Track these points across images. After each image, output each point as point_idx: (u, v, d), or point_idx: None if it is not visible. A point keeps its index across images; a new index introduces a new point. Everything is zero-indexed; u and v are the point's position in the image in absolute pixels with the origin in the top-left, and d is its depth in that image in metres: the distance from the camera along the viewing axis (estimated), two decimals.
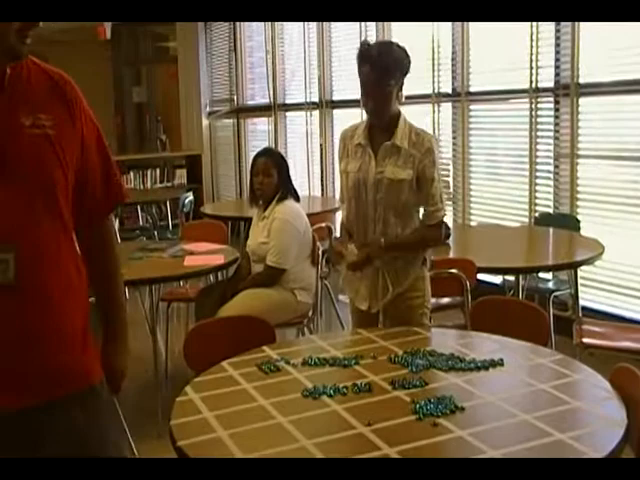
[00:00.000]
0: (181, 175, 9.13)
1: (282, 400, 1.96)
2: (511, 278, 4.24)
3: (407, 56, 2.80)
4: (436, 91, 5.78)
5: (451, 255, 3.84)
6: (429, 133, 2.89)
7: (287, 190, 3.91)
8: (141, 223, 8.00)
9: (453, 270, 3.37)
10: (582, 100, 4.64)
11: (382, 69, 2.70)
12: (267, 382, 2.10)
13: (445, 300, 4.04)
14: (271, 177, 3.85)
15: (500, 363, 2.14)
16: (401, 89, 2.85)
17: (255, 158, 3.97)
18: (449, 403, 1.86)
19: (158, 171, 9.05)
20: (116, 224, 6.41)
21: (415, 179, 2.74)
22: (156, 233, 7.08)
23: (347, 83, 6.87)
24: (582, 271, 4.24)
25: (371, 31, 6.30)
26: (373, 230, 2.77)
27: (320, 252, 4.08)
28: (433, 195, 2.78)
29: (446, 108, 5.77)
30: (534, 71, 4.90)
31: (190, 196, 7.07)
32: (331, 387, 2.00)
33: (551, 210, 4.90)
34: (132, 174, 8.88)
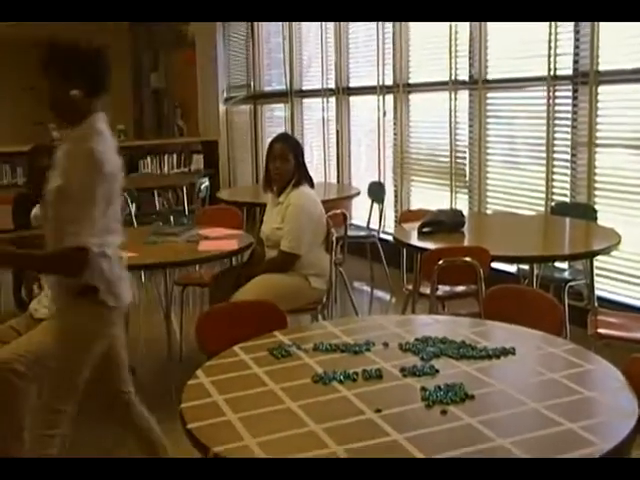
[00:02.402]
0: (198, 161, 9.15)
1: (292, 385, 1.96)
2: (526, 267, 4.22)
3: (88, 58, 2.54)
4: (453, 79, 5.74)
5: (465, 243, 3.83)
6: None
7: (302, 176, 3.91)
8: (158, 208, 8.03)
9: (467, 258, 3.36)
10: (601, 88, 4.59)
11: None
12: (278, 367, 2.10)
13: (459, 288, 4.04)
14: (288, 162, 3.85)
15: (512, 352, 2.14)
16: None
17: (272, 144, 3.97)
18: (459, 391, 1.85)
19: (175, 156, 9.08)
20: (133, 209, 6.45)
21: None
22: (172, 218, 7.11)
23: (364, 70, 6.86)
24: (598, 261, 4.21)
25: None
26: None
27: (334, 239, 4.08)
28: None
29: (463, 96, 5.74)
30: (552, 58, 4.85)
31: (206, 181, 7.09)
32: (341, 373, 2.00)
33: (568, 199, 4.86)
34: (149, 159, 8.91)
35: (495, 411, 1.77)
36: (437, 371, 2.01)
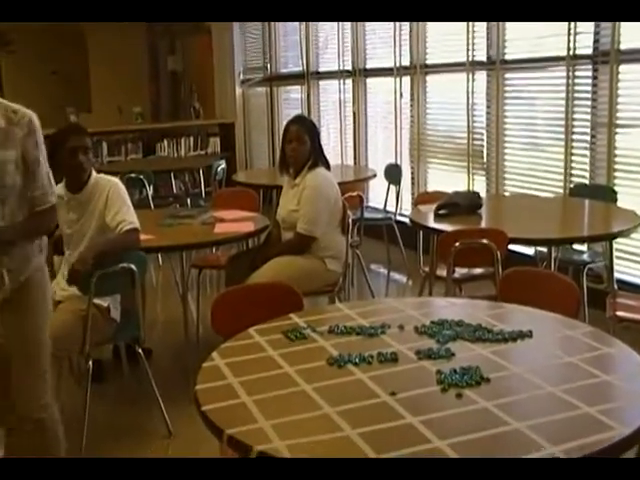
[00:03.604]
0: (214, 143, 9.15)
1: (307, 368, 1.96)
2: (544, 249, 4.18)
3: None
4: (470, 59, 5.68)
5: (482, 225, 3.80)
6: (29, 111, 2.45)
7: (318, 158, 3.90)
8: (174, 191, 8.05)
9: (484, 240, 3.33)
10: (622, 67, 4.51)
11: None
12: (293, 349, 2.10)
13: (476, 270, 4.01)
14: (304, 144, 3.84)
15: (529, 335, 2.11)
16: None
17: (287, 125, 3.95)
18: (475, 374, 1.84)
19: (192, 139, 9.08)
20: (150, 191, 6.47)
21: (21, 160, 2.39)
22: (189, 201, 7.12)
23: (380, 51, 6.80)
24: (617, 243, 4.16)
25: None
26: None
27: (350, 221, 4.07)
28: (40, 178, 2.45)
29: (481, 76, 5.67)
30: (572, 37, 4.77)
31: (223, 164, 7.09)
32: (356, 356, 1.99)
33: (587, 181, 4.80)
34: (166, 142, 8.93)
35: (511, 395, 1.75)
36: (453, 354, 1.99)
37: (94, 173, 3.42)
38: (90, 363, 3.26)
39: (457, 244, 3.34)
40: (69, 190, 3.39)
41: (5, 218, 2.38)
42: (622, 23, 4.44)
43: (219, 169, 6.94)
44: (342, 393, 1.80)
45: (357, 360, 1.97)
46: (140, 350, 3.42)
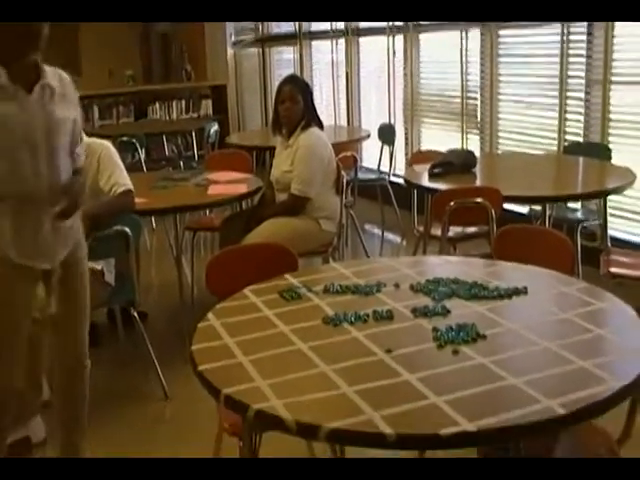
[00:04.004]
0: (206, 105, 9.07)
1: (303, 327, 1.95)
2: (538, 208, 4.18)
3: None
4: None
5: (477, 184, 3.79)
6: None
7: (311, 118, 3.86)
8: (167, 154, 7.99)
9: (479, 199, 3.32)
10: (617, 23, 4.46)
11: None
12: (288, 309, 2.10)
13: (471, 229, 4.01)
14: (297, 104, 3.81)
15: (524, 291, 2.12)
16: None
17: (280, 86, 3.91)
18: (471, 331, 1.84)
19: (183, 102, 9.00)
20: (142, 155, 6.42)
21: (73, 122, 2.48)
22: (182, 163, 7.08)
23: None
24: (611, 201, 4.16)
25: None
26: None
27: (345, 181, 4.05)
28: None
29: (474, 34, 5.60)
30: None
31: (215, 126, 7.04)
32: (352, 314, 1.99)
33: (581, 139, 4.78)
34: (158, 105, 8.85)
35: (507, 351, 1.76)
36: (449, 311, 2.00)
37: (85, 137, 3.37)
38: None
39: (452, 203, 3.33)
40: None
41: (56, 173, 2.39)
42: None
43: (212, 131, 6.89)
44: (338, 351, 1.80)
45: (353, 319, 1.97)
46: (135, 313, 3.43)
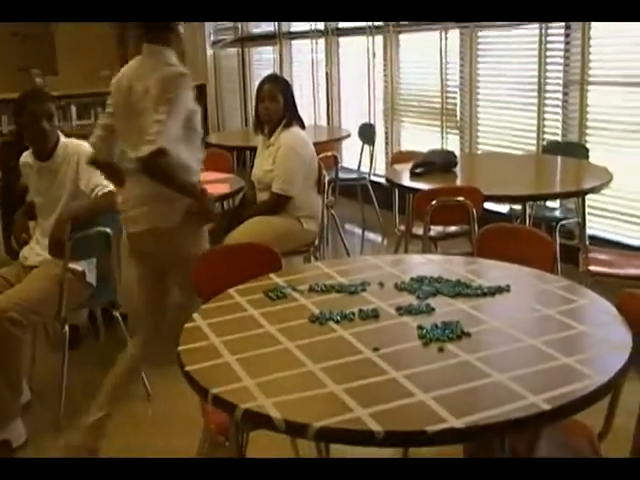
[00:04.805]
0: None
1: (289, 326, 1.96)
2: (518, 207, 4.22)
3: None
4: None
5: (458, 183, 3.82)
6: None
7: (292, 117, 3.88)
8: None
9: (460, 198, 3.35)
10: (594, 24, 4.52)
11: None
12: (274, 308, 2.10)
13: (451, 229, 4.05)
14: (277, 102, 3.83)
15: (507, 289, 2.14)
16: None
17: (261, 84, 3.92)
18: (455, 328, 1.86)
19: None
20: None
21: None
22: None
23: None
24: (589, 200, 4.21)
25: None
26: None
27: (326, 181, 4.06)
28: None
29: (454, 35, 5.64)
30: None
31: None
32: (337, 313, 2.01)
33: (559, 138, 4.84)
34: None
35: (492, 348, 1.78)
36: (433, 309, 2.01)
37: (63, 138, 3.35)
38: (67, 328, 3.25)
39: (434, 202, 3.35)
40: (37, 158, 3.32)
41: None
42: None
43: None
44: (325, 350, 1.81)
45: (338, 317, 1.98)
46: (118, 314, 3.42)
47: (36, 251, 3.34)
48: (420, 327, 1.89)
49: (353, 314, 2.00)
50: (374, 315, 2.00)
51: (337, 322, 1.97)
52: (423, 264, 2.56)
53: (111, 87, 2.88)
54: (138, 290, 3.04)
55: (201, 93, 9.01)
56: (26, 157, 3.41)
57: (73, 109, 8.47)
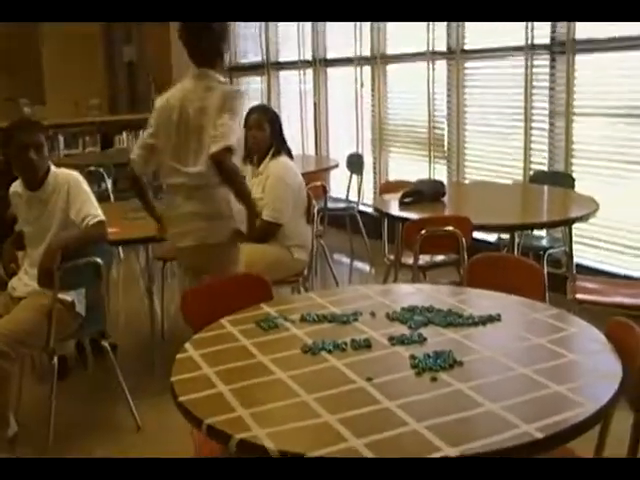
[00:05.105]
0: None
1: (282, 356, 1.97)
2: (505, 236, 4.26)
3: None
4: (430, 49, 5.73)
5: (446, 213, 3.85)
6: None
7: (280, 146, 3.91)
8: None
9: (449, 227, 3.37)
10: (578, 57, 4.61)
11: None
12: (266, 338, 2.11)
13: (439, 258, 4.07)
14: (264, 131, 3.87)
15: (498, 318, 2.16)
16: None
17: (248, 114, 3.96)
18: (448, 358, 1.87)
19: None
20: (109, 184, 6.39)
21: None
22: (150, 193, 7.04)
23: (341, 41, 6.80)
24: (577, 228, 4.26)
25: None
26: None
27: (315, 210, 4.08)
28: None
29: (441, 66, 5.73)
30: (530, 28, 4.85)
31: None
32: (330, 343, 2.01)
33: (546, 168, 4.90)
34: (124, 135, 8.80)
35: (484, 377, 1.79)
36: (425, 339, 2.03)
37: (53, 168, 3.35)
38: (55, 359, 3.22)
39: (423, 232, 3.37)
40: (27, 188, 3.32)
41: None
42: None
43: None
44: (318, 380, 1.81)
45: (331, 347, 1.99)
46: (107, 344, 3.40)
47: (24, 281, 3.32)
48: (413, 357, 1.90)
49: (345, 344, 2.01)
50: (366, 345, 2.01)
51: (330, 352, 1.97)
52: (414, 294, 2.58)
53: (156, 109, 3.18)
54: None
55: None
56: (16, 187, 3.41)
57: (61, 139, 8.47)
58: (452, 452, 1.44)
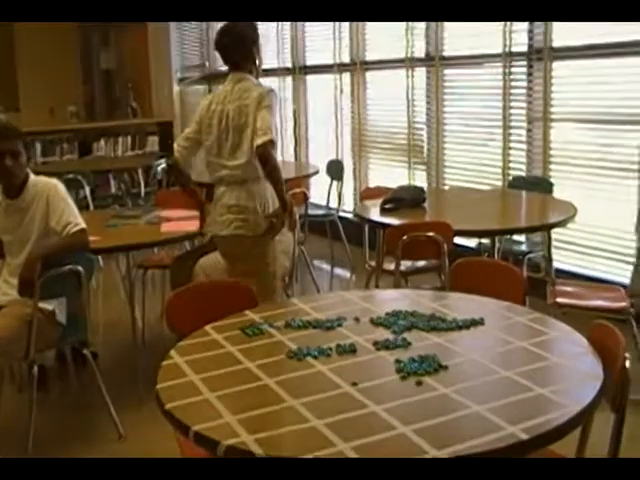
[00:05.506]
0: (153, 142, 9.03)
1: (267, 362, 1.97)
2: (485, 241, 4.29)
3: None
4: (409, 56, 5.77)
5: (427, 219, 3.87)
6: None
7: None
8: (113, 191, 7.92)
9: (431, 233, 3.40)
10: (555, 64, 4.67)
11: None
12: (251, 345, 2.11)
13: (420, 263, 4.09)
14: None
15: (481, 322, 2.18)
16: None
17: None
18: (432, 362, 1.89)
19: (129, 138, 8.94)
20: (88, 192, 6.35)
21: None
22: (129, 201, 7.03)
23: (320, 48, 6.83)
24: (555, 233, 4.31)
25: None
26: None
27: (297, 217, 4.08)
28: None
29: (420, 73, 5.77)
30: (507, 35, 4.91)
31: (163, 163, 7.01)
32: (315, 348, 2.02)
33: (524, 173, 4.95)
34: (103, 142, 8.76)
35: (469, 380, 1.81)
36: (409, 343, 2.04)
37: (32, 176, 3.33)
38: (35, 369, 3.19)
39: (405, 237, 3.40)
40: (5, 195, 3.29)
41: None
42: (554, 22, 4.60)
43: (159, 168, 6.87)
44: (304, 385, 1.82)
45: (316, 353, 2.00)
46: (88, 353, 3.38)
47: (4, 290, 3.30)
48: (398, 361, 1.91)
49: (330, 349, 2.02)
50: (351, 350, 2.02)
51: (315, 358, 1.98)
52: (397, 299, 2.59)
53: (200, 110, 3.47)
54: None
55: (168, 130, 9.06)
56: None
57: (37, 146, 8.41)
58: (439, 454, 1.45)
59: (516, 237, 4.65)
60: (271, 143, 3.17)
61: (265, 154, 3.18)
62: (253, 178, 3.34)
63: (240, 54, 3.39)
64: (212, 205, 3.49)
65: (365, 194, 4.75)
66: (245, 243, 3.36)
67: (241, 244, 3.36)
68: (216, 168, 3.43)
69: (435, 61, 5.53)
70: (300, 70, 7.11)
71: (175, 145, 3.59)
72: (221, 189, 3.43)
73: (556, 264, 4.51)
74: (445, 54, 5.50)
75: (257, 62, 3.46)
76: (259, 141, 3.16)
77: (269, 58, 7.58)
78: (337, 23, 6.45)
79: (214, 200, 3.49)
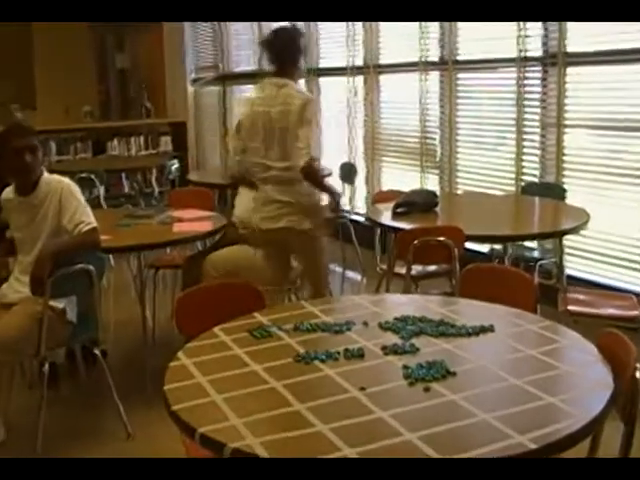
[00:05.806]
0: (166, 142, 9.07)
1: (275, 365, 1.97)
2: (497, 246, 4.27)
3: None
4: (423, 59, 5.76)
5: (439, 223, 3.86)
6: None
7: None
8: (126, 190, 7.95)
9: (442, 238, 3.38)
10: (569, 70, 4.64)
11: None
12: (259, 347, 2.11)
13: (431, 268, 4.08)
14: None
15: (490, 329, 2.17)
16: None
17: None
18: (440, 368, 1.88)
19: (142, 138, 8.98)
20: (101, 191, 6.38)
21: None
22: (141, 200, 7.05)
23: (334, 51, 6.83)
24: (567, 240, 4.28)
25: None
26: None
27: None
28: None
29: (433, 77, 5.75)
30: (522, 40, 4.89)
31: (176, 163, 7.05)
32: (323, 352, 2.02)
33: (537, 179, 4.92)
34: (116, 141, 8.81)
35: (477, 387, 1.80)
36: (418, 349, 2.03)
37: (45, 173, 3.34)
38: (46, 367, 3.21)
39: (416, 242, 3.38)
40: (19, 193, 3.31)
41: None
42: (569, 27, 4.57)
43: (172, 168, 6.89)
44: (311, 389, 1.82)
45: (324, 357, 1.99)
46: (98, 352, 3.39)
47: (15, 288, 3.31)
48: (405, 367, 1.90)
49: (338, 353, 2.01)
50: (359, 355, 2.01)
51: (323, 361, 1.97)
52: (406, 304, 2.58)
53: (242, 115, 3.63)
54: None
55: (181, 130, 9.10)
56: (7, 193, 3.40)
57: (52, 144, 8.46)
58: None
59: (528, 243, 4.62)
60: (313, 161, 3.36)
61: (309, 176, 3.38)
62: (300, 179, 3.44)
63: (289, 58, 3.51)
64: (254, 202, 3.60)
65: (377, 197, 4.74)
66: (298, 235, 3.49)
67: (294, 236, 3.49)
68: (262, 168, 3.52)
69: (449, 65, 5.52)
70: (314, 73, 7.10)
71: (235, 156, 3.72)
72: (268, 187, 3.52)
73: (568, 271, 4.48)
74: (459, 58, 5.49)
75: (300, 69, 3.62)
76: (301, 162, 3.32)
77: None
78: (351, 25, 6.44)
79: (257, 198, 3.58)
